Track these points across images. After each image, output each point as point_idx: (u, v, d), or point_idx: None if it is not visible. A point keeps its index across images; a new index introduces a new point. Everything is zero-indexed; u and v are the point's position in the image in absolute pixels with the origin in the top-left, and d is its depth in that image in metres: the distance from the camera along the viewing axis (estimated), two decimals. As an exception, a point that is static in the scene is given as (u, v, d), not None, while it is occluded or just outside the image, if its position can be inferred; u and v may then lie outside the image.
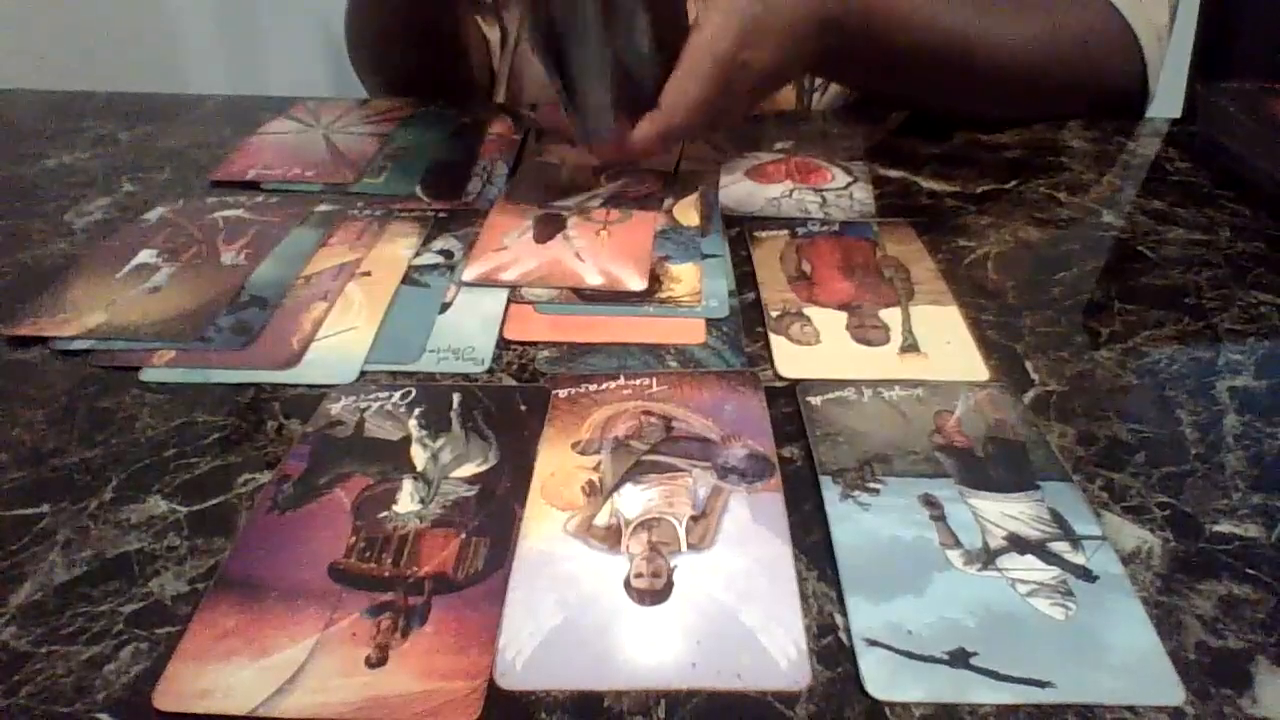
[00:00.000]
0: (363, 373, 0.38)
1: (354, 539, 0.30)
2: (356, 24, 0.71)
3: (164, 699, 0.25)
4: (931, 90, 0.62)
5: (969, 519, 0.31)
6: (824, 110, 0.70)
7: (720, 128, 0.61)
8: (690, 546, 0.29)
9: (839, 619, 0.27)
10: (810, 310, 0.42)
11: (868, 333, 0.41)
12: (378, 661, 0.26)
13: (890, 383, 0.37)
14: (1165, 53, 0.65)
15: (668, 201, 0.52)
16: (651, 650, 0.26)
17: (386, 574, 0.28)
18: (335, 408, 0.36)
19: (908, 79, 0.60)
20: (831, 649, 0.26)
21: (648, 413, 0.35)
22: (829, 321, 0.41)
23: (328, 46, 1.46)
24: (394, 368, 0.38)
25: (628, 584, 0.28)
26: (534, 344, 0.40)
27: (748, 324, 0.42)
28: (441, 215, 0.50)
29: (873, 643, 0.26)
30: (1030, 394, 0.37)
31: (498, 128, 0.62)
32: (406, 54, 0.69)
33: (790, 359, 0.39)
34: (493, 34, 0.75)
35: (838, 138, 0.62)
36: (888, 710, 0.25)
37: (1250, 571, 0.29)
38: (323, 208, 0.51)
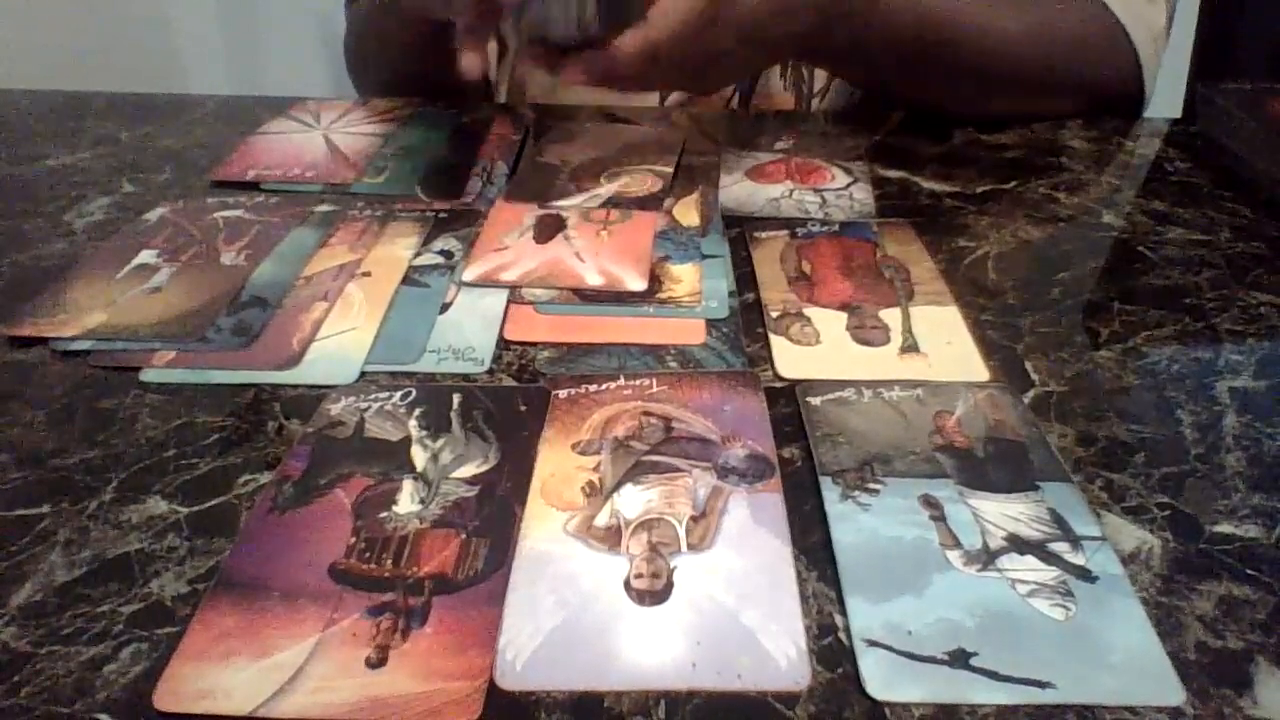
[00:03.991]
0: (363, 373, 0.38)
1: (354, 539, 0.30)
2: (365, 41, 0.70)
3: (164, 699, 0.25)
4: (927, 85, 0.62)
5: (969, 519, 0.31)
6: (824, 111, 0.70)
7: (711, 84, 0.60)
8: (690, 547, 0.29)
9: (839, 619, 0.27)
10: (810, 310, 0.42)
11: (868, 333, 0.41)
12: (378, 662, 0.26)
13: (890, 383, 0.37)
14: (1163, 54, 0.65)
15: (668, 201, 0.52)
16: (651, 650, 0.26)
17: (386, 574, 0.28)
18: (335, 408, 0.36)
19: (906, 72, 0.60)
20: (831, 649, 0.26)
21: (648, 413, 0.35)
22: (829, 322, 0.41)
23: (328, 46, 1.46)
24: (394, 368, 0.38)
25: (628, 584, 0.28)
26: (534, 344, 0.40)
27: (748, 324, 0.42)
28: (441, 215, 0.50)
29: (873, 643, 0.26)
30: (1030, 394, 0.37)
31: (498, 128, 0.62)
32: (420, 70, 0.68)
33: (790, 359, 0.39)
34: (490, 46, 0.75)
35: (838, 138, 0.62)
36: (888, 710, 0.25)
37: (1250, 572, 0.29)
38: (323, 208, 0.51)
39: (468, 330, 0.41)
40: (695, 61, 0.48)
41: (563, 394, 0.37)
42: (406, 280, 0.44)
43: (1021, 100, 0.63)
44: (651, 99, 0.68)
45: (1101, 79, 0.64)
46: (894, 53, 0.58)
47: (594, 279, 0.44)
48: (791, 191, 0.54)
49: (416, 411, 0.36)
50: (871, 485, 0.32)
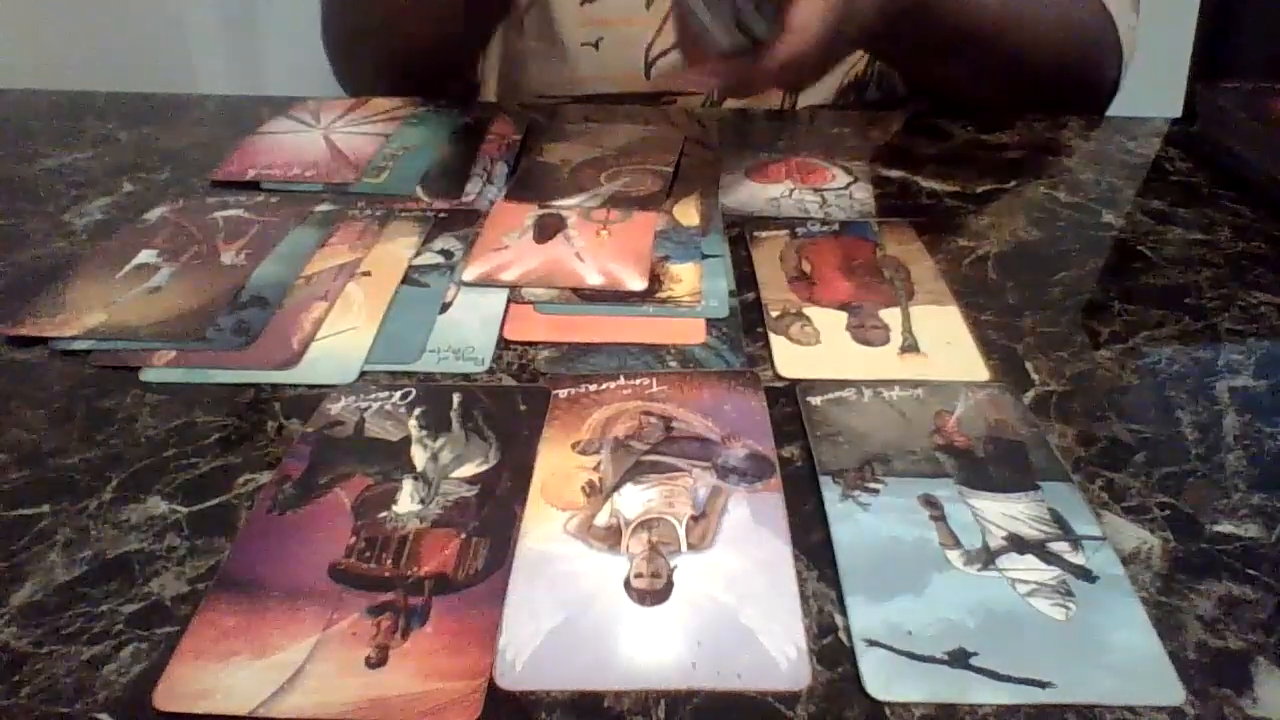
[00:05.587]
0: (363, 373, 0.38)
1: (354, 539, 0.30)
2: (364, 19, 0.69)
3: (164, 699, 0.25)
4: (959, 70, 0.64)
5: (969, 519, 0.31)
6: (811, 109, 0.70)
7: (805, 84, 0.63)
8: (690, 547, 0.29)
9: (839, 619, 0.27)
10: (810, 310, 0.42)
11: (868, 333, 0.41)
12: (378, 662, 0.26)
13: (890, 383, 0.37)
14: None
15: (668, 201, 0.52)
16: (651, 650, 0.26)
17: (386, 574, 0.28)
18: (335, 408, 0.36)
19: (951, 58, 0.62)
20: (831, 649, 0.26)
21: (648, 413, 0.35)
22: (829, 321, 0.41)
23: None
24: (394, 368, 0.38)
25: (628, 584, 0.28)
26: (534, 344, 0.40)
27: (748, 324, 0.42)
28: (441, 215, 0.50)
29: (873, 643, 0.26)
30: (1030, 394, 0.37)
31: (498, 128, 0.62)
32: (422, 54, 0.68)
33: (790, 359, 0.39)
34: None
35: (838, 138, 0.62)
36: (888, 710, 0.25)
37: (1250, 571, 0.29)
38: (323, 208, 0.51)
39: (468, 330, 0.41)
40: (813, 67, 0.49)
41: (563, 394, 0.37)
42: (406, 280, 0.44)
43: (1038, 92, 0.65)
44: (646, 86, 0.69)
45: (1103, 74, 0.66)
46: (953, 44, 0.60)
47: (594, 279, 0.44)
48: (791, 191, 0.54)
49: (416, 411, 0.36)
50: (871, 485, 0.32)
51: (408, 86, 0.67)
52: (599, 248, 0.47)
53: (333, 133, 0.60)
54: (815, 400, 0.36)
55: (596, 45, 0.69)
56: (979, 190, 0.55)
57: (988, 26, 0.60)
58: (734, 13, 0.44)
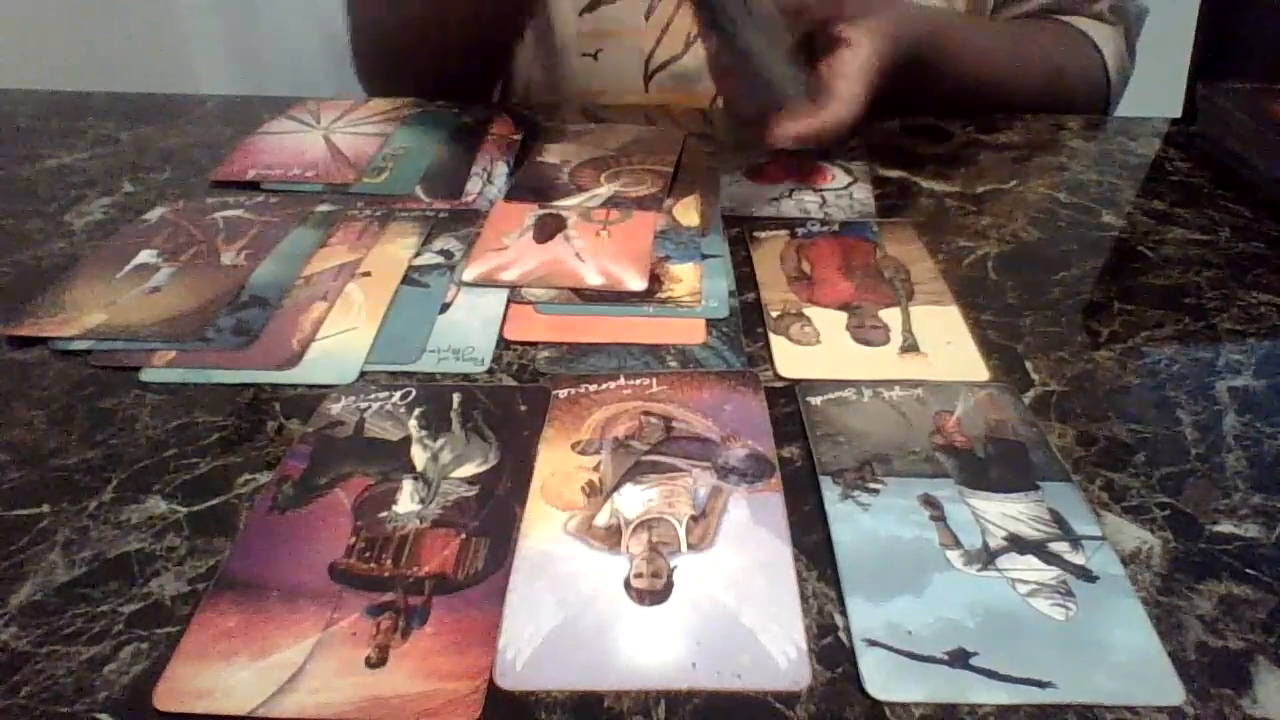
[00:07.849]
0: (363, 373, 0.38)
1: (354, 539, 0.30)
2: (394, 35, 0.69)
3: (164, 699, 0.25)
4: (956, 110, 0.66)
5: (969, 519, 0.31)
6: None
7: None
8: (690, 547, 0.29)
9: (839, 619, 0.27)
10: (810, 310, 0.42)
11: (868, 333, 0.41)
12: (378, 661, 0.26)
13: (890, 383, 0.37)
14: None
15: (668, 201, 0.52)
16: (651, 650, 0.26)
17: (386, 574, 0.28)
18: (335, 408, 0.36)
19: (952, 102, 0.65)
20: (831, 649, 0.26)
21: (648, 413, 0.35)
22: (829, 321, 0.41)
23: (328, 46, 1.46)
24: (394, 368, 0.38)
25: (628, 584, 0.28)
26: (534, 344, 0.40)
27: (748, 324, 0.42)
28: (441, 215, 0.50)
29: (872, 643, 0.26)
30: (1030, 394, 0.37)
31: (498, 128, 0.62)
32: (456, 63, 0.68)
33: (790, 359, 0.39)
34: None
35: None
36: (887, 710, 0.25)
37: (1250, 571, 0.29)
38: (323, 208, 0.51)
39: (468, 330, 0.41)
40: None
41: (563, 394, 0.37)
42: (406, 280, 0.44)
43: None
44: (646, 97, 0.69)
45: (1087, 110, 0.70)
46: (957, 92, 0.64)
47: (594, 279, 0.44)
48: (791, 191, 0.54)
49: (416, 411, 0.36)
50: (871, 485, 0.32)
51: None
52: (599, 248, 0.47)
53: (333, 133, 0.60)
54: (815, 400, 0.36)
55: (596, 56, 0.69)
56: (979, 190, 0.55)
57: (979, 82, 0.64)
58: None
